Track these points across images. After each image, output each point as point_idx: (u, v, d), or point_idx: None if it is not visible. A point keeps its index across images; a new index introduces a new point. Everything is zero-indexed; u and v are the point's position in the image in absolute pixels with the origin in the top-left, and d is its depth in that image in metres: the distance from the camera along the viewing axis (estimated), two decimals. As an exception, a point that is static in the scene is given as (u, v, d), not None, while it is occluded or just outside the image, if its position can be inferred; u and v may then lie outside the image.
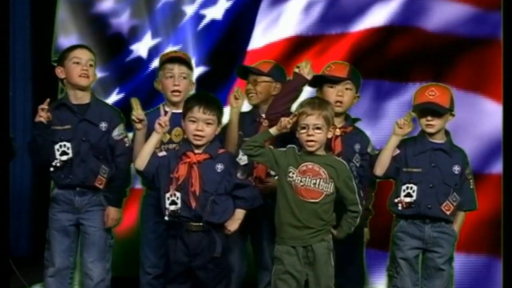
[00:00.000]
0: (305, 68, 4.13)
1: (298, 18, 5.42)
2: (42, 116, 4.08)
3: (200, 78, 5.26)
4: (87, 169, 4.17)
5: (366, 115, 4.99)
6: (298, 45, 5.36)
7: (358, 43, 5.30)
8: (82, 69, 4.18)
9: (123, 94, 5.46)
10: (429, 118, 4.12)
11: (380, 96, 5.25)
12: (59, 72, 4.23)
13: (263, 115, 4.34)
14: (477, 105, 5.13)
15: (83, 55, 4.21)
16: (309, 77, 4.14)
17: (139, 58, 5.56)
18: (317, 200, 3.93)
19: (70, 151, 4.14)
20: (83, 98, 4.23)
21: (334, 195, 3.95)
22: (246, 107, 4.43)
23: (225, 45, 5.46)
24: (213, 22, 5.49)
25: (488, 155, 5.10)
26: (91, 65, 4.22)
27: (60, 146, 4.15)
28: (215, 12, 5.51)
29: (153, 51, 5.46)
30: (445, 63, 5.18)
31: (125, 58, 5.58)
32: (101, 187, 4.18)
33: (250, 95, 4.39)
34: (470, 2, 5.17)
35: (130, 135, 4.30)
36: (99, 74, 5.40)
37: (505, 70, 5.04)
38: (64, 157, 4.14)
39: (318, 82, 4.26)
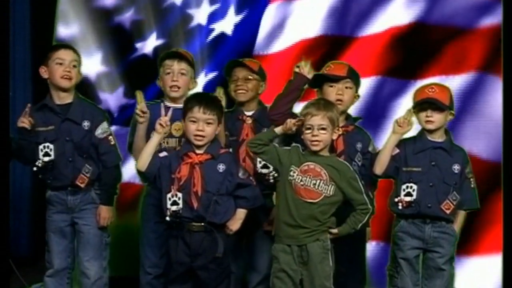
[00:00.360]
0: (305, 67, 4.13)
1: (304, 22, 5.44)
2: (25, 122, 4.09)
3: (208, 85, 5.34)
4: (75, 168, 4.17)
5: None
6: (303, 50, 5.37)
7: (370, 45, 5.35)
8: (64, 70, 4.17)
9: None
10: (428, 113, 4.12)
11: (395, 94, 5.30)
12: (43, 72, 4.24)
13: (246, 113, 4.37)
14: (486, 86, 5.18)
15: (66, 56, 4.20)
16: (309, 76, 4.14)
17: (144, 57, 5.56)
18: (315, 201, 3.93)
19: (52, 153, 4.14)
20: (65, 98, 4.23)
21: (336, 198, 3.95)
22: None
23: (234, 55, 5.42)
24: (222, 35, 5.51)
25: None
26: (74, 66, 4.20)
27: (44, 147, 4.15)
28: (224, 26, 5.53)
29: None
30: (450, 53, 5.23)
31: (130, 56, 5.58)
32: (82, 186, 4.17)
33: (240, 91, 4.37)
34: None
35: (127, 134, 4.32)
36: (105, 69, 5.42)
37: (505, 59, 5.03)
38: (46, 158, 4.14)
39: (318, 82, 4.26)
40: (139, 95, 4.16)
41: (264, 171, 4.24)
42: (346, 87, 4.26)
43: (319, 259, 3.93)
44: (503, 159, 5.03)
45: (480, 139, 5.11)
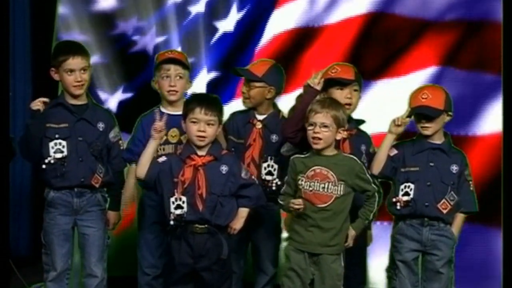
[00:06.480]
0: (314, 79, 4.09)
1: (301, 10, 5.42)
2: (39, 105, 4.04)
3: (211, 83, 5.36)
4: (86, 167, 4.16)
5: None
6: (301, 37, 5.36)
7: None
8: (75, 80, 4.16)
9: (131, 94, 5.50)
10: (423, 122, 4.14)
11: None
12: (54, 74, 4.22)
13: (258, 117, 4.35)
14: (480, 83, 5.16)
15: (75, 65, 4.15)
16: (319, 88, 4.10)
17: (144, 54, 5.55)
18: (326, 204, 3.93)
19: (65, 149, 4.13)
20: (79, 99, 4.23)
21: (347, 197, 3.95)
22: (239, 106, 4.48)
23: (236, 52, 5.43)
24: (225, 34, 5.47)
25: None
26: (84, 71, 4.17)
27: (55, 144, 4.13)
28: (227, 25, 5.50)
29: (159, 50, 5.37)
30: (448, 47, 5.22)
31: (128, 52, 5.56)
32: (97, 185, 4.18)
33: (244, 98, 4.37)
34: None
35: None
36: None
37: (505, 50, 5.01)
38: (59, 155, 4.12)
39: (324, 85, 4.18)
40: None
41: (268, 178, 4.25)
42: (355, 90, 4.26)
43: (332, 259, 3.95)
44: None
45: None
